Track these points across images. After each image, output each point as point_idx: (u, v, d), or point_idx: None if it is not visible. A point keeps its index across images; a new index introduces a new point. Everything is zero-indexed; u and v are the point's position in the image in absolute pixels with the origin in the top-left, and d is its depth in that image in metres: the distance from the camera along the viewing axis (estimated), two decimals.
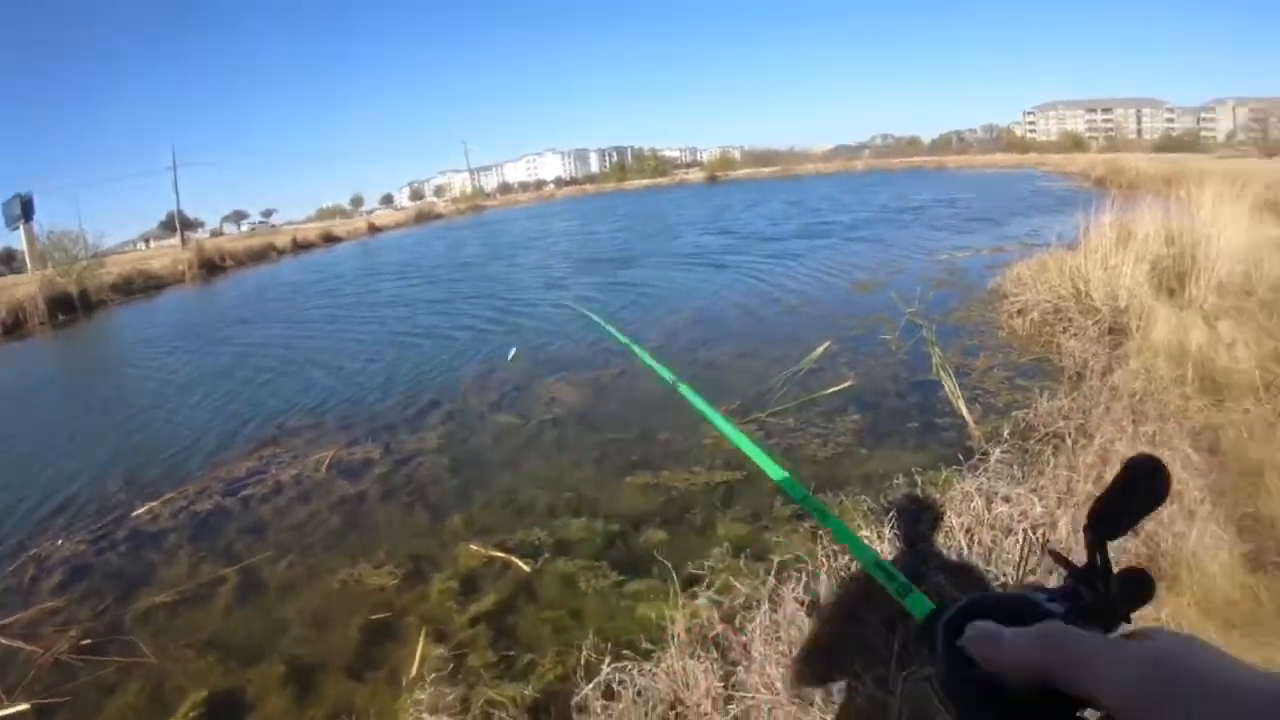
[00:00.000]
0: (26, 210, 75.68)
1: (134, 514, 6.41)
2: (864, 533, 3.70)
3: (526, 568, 4.63)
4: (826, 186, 46.49)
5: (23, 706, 4.09)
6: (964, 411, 5.88)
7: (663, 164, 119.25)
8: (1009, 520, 3.66)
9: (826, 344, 8.24)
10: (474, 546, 4.95)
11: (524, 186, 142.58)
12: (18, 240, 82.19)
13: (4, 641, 4.78)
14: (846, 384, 7.06)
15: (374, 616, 4.36)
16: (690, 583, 3.83)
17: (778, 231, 22.34)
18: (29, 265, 61.03)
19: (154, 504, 6.53)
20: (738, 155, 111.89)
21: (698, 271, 15.80)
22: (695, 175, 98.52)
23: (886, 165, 73.36)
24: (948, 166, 64.76)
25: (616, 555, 4.63)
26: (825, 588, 3.39)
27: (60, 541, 6.10)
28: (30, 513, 6.94)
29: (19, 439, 10.04)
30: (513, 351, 9.72)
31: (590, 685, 3.10)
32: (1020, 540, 3.51)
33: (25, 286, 31.84)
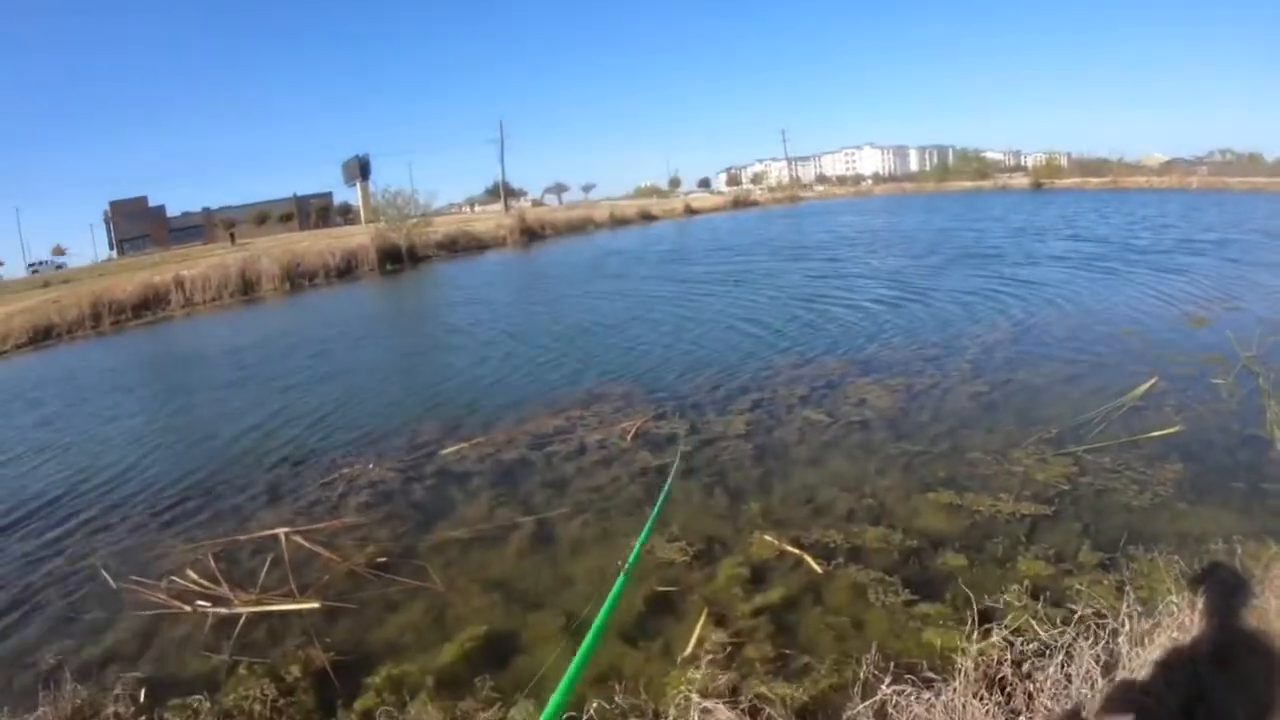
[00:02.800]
0: (364, 170, 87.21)
1: (443, 452, 7.25)
2: (1173, 598, 3.49)
3: (818, 568, 4.65)
4: (1161, 203, 42.39)
5: (314, 605, 4.79)
6: None
7: (985, 166, 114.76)
8: None
9: (1153, 380, 7.69)
10: (768, 537, 5.05)
11: (841, 180, 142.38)
12: (354, 196, 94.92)
13: (307, 545, 5.62)
14: (1173, 429, 6.47)
15: (659, 588, 4.57)
16: (983, 617, 3.69)
17: (1101, 251, 20.56)
18: (363, 219, 70.03)
19: (463, 445, 7.34)
20: (1064, 162, 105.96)
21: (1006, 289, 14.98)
22: (1019, 181, 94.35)
23: (1224, 184, 65.58)
24: None
25: (910, 572, 4.54)
26: (1125, 650, 3.18)
27: (372, 466, 7.05)
28: (348, 436, 8.20)
29: (351, 370, 11.94)
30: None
31: (865, 703, 3.10)
32: None
33: (359, 237, 36.74)
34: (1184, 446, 6.18)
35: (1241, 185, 64.02)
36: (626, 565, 2.19)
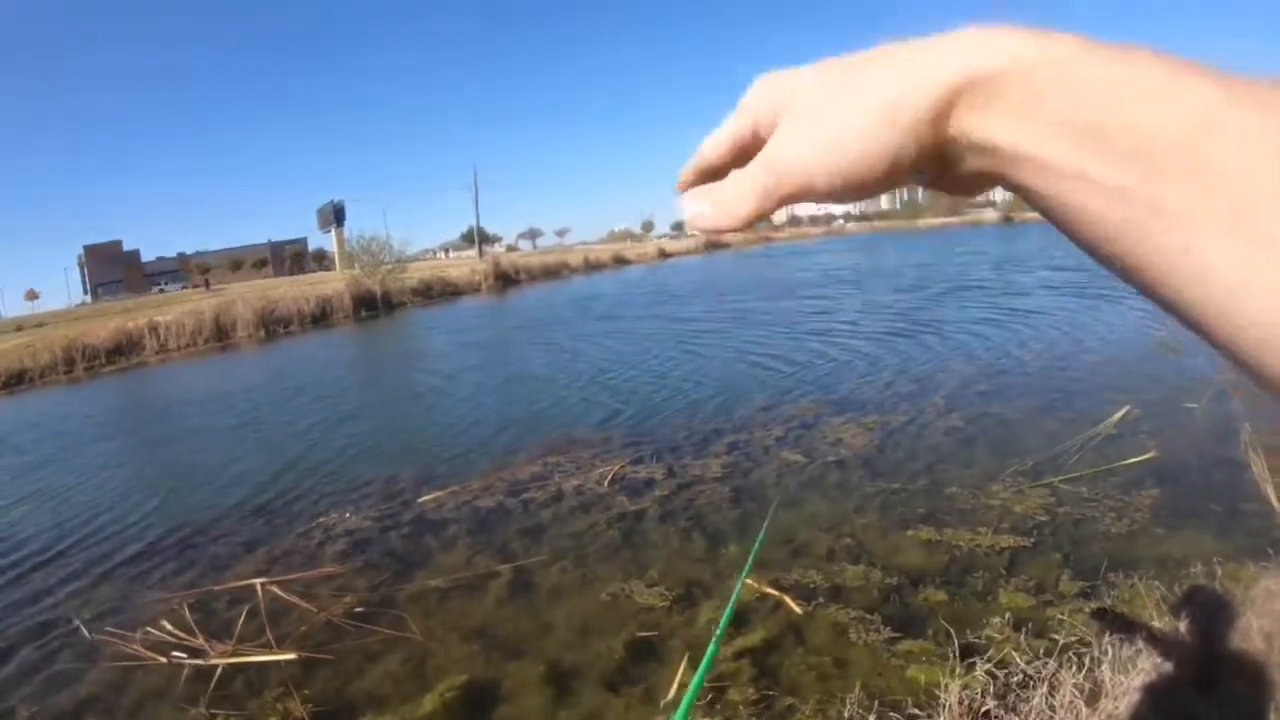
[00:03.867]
0: (339, 215, 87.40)
1: (420, 500, 7.20)
2: (1154, 623, 3.56)
3: (798, 609, 4.65)
4: None
5: (291, 655, 4.72)
6: (1273, 499, 5.34)
7: (956, 202, 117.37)
8: None
9: (1126, 408, 7.81)
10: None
11: (813, 220, 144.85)
12: (329, 242, 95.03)
13: (283, 595, 5.55)
14: (1148, 455, 6.59)
15: (639, 634, 4.55)
16: (965, 651, 3.73)
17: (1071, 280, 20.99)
18: (338, 265, 69.99)
19: (439, 493, 7.29)
20: None
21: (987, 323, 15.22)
22: (990, 215, 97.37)
23: None
24: None
25: (891, 610, 4.55)
26: (1108, 678, 3.21)
27: (349, 515, 7.00)
28: (325, 484, 8.13)
29: (321, 418, 11.79)
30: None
31: None
32: None
33: (334, 283, 36.78)
34: (1160, 472, 6.28)
35: None
36: (718, 633, 2.14)
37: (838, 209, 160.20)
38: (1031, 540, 5.25)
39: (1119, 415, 7.67)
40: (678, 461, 7.58)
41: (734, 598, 1.78)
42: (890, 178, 0.37)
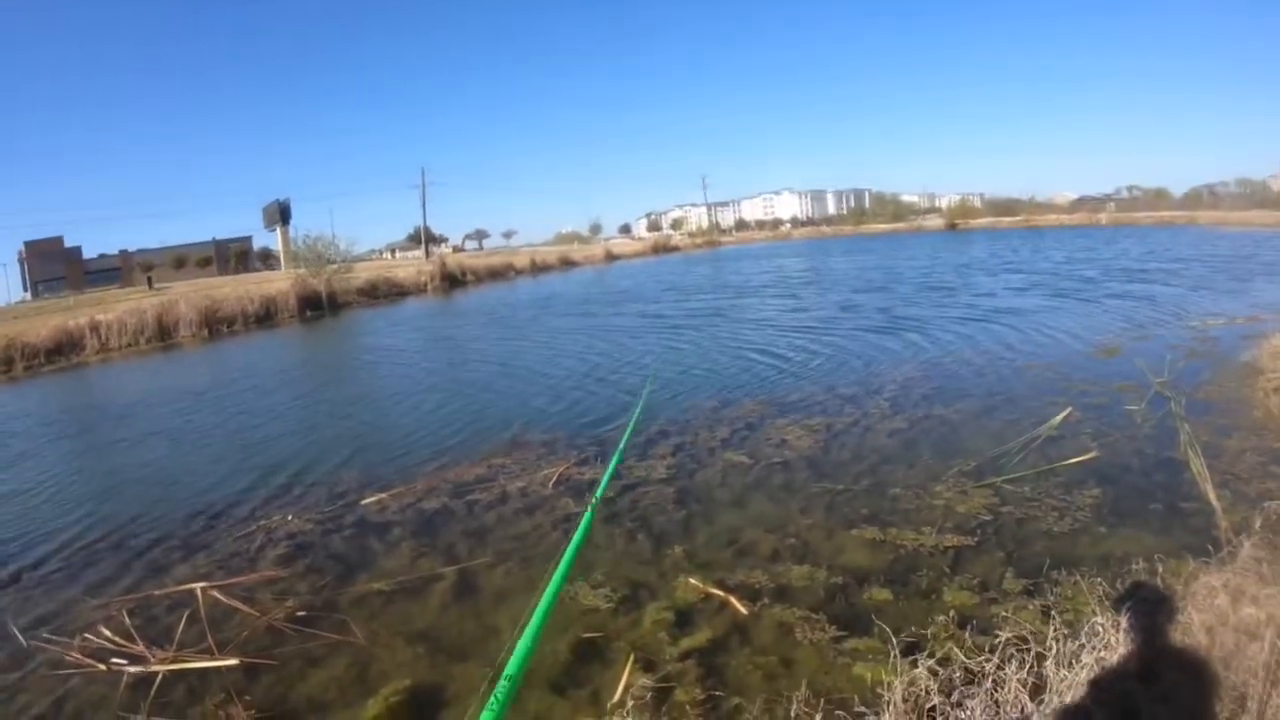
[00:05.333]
0: (285, 214, 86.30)
1: (363, 502, 7.11)
2: (1097, 619, 3.57)
3: (744, 609, 4.67)
4: (1070, 239, 45.44)
5: (232, 661, 4.62)
6: (1212, 497, 5.58)
7: (901, 209, 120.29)
8: (1255, 624, 3.34)
9: (1068, 410, 8.03)
10: (693, 581, 5.05)
11: (760, 224, 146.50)
12: (275, 241, 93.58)
13: (224, 599, 5.44)
14: (1089, 455, 6.78)
15: (585, 635, 4.52)
16: (910, 649, 3.80)
17: (1015, 286, 21.61)
18: (283, 264, 68.98)
19: (383, 495, 7.20)
20: (978, 203, 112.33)
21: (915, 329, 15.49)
22: (934, 222, 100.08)
23: (1131, 220, 69.82)
24: (1199, 223, 61.97)
25: (837, 609, 4.59)
26: (1052, 673, 3.28)
27: (290, 517, 6.89)
28: (265, 486, 7.98)
29: (263, 419, 11.60)
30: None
31: None
32: (1266, 648, 3.19)
33: (279, 283, 36.20)
34: (1101, 472, 6.43)
35: (1149, 219, 67.10)
36: (594, 500, 2.11)
37: (784, 213, 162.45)
38: (975, 539, 5.33)
39: (1060, 417, 7.83)
40: (622, 463, 7.54)
41: (619, 452, 1.81)
42: None
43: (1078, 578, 4.46)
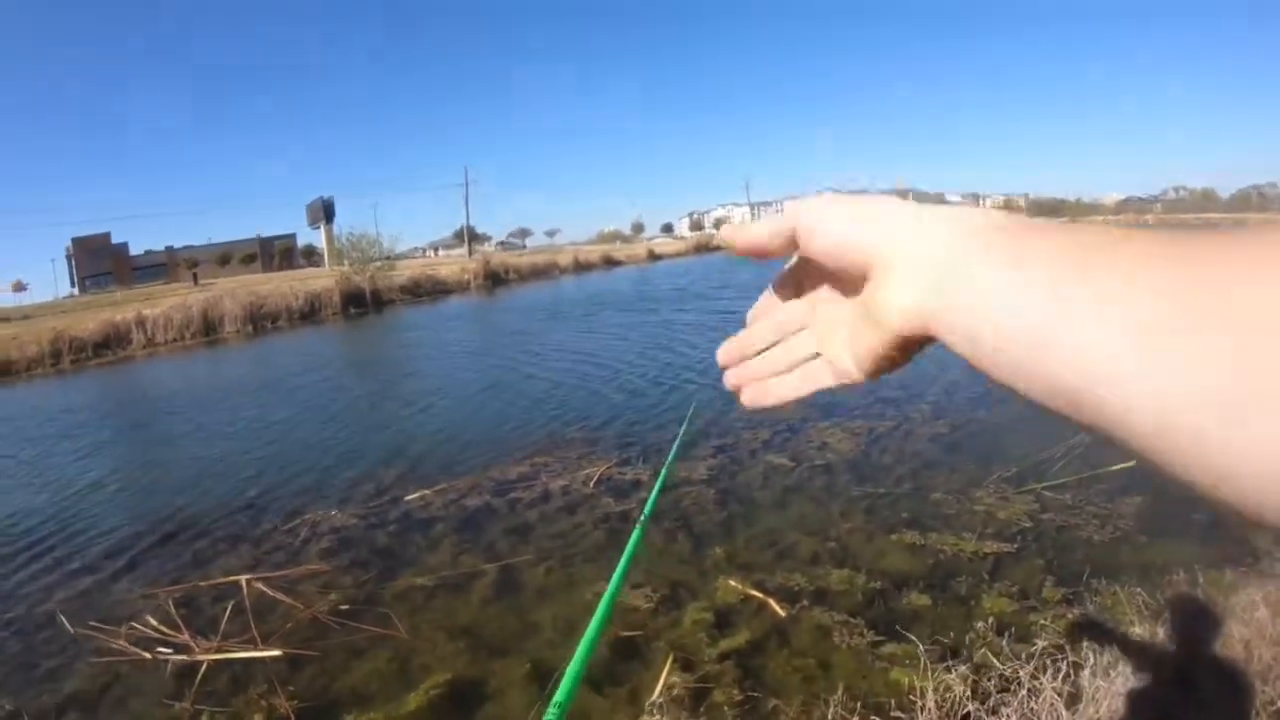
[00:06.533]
0: (329, 212, 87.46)
1: (407, 498, 7.22)
2: (1136, 629, 3.61)
3: (782, 611, 4.69)
4: None
5: (276, 652, 4.74)
6: None
7: None
8: None
9: None
10: (732, 582, 5.08)
11: None
12: (318, 238, 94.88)
13: (269, 591, 5.57)
14: (1131, 462, 6.62)
15: (624, 634, 4.57)
16: (947, 655, 3.82)
17: None
18: (327, 261, 69.92)
19: (427, 491, 7.32)
20: (1022, 204, 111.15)
21: None
22: None
23: (1179, 221, 68.04)
24: (1249, 225, 59.66)
25: (875, 613, 4.60)
26: (1088, 683, 3.26)
27: (334, 511, 7.02)
28: (311, 481, 8.14)
29: (309, 414, 11.84)
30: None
31: None
32: None
33: (323, 280, 36.73)
34: (1145, 480, 6.29)
35: (1196, 221, 65.65)
36: (643, 518, 2.16)
37: None
38: (1015, 546, 5.30)
39: None
40: (663, 463, 7.57)
41: (665, 469, 1.87)
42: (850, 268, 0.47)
43: (1117, 587, 4.44)
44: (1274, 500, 0.28)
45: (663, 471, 1.85)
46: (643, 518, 1.50)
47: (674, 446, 2.20)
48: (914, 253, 0.42)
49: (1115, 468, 6.57)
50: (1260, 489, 0.28)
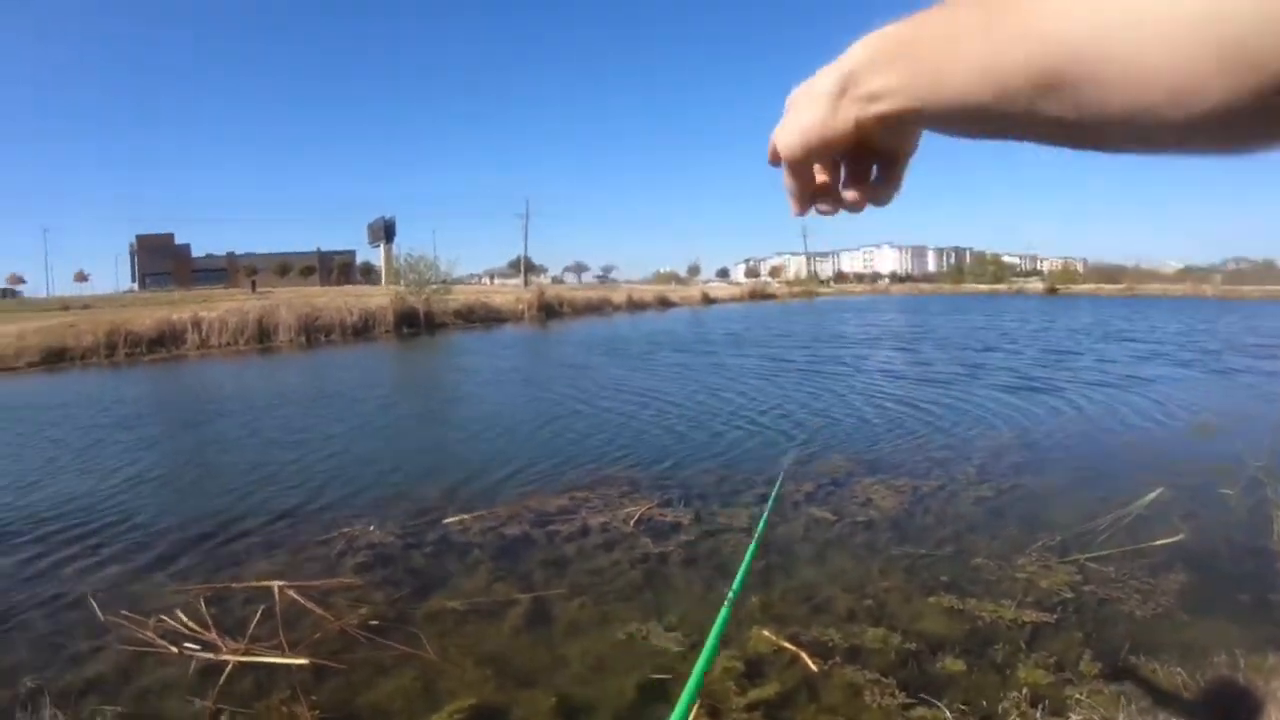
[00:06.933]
0: (389, 231, 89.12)
1: (445, 520, 7.24)
2: (1173, 709, 3.58)
3: (814, 666, 4.61)
4: (1184, 310, 45.66)
5: (302, 660, 4.74)
6: None
7: (1002, 270, 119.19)
8: None
9: (1160, 490, 7.69)
10: (766, 632, 5.01)
11: (859, 277, 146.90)
12: (377, 256, 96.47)
13: (300, 600, 5.58)
14: (1176, 538, 6.53)
15: (653, 676, 4.52)
16: None
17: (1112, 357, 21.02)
18: (384, 280, 70.98)
19: (465, 516, 7.32)
20: (1080, 268, 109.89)
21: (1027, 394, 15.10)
22: (1034, 285, 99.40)
23: (1239, 293, 66.57)
24: None
25: (908, 675, 4.50)
26: None
27: (372, 528, 7.04)
28: (351, 495, 8.22)
29: (356, 429, 12.03)
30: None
31: None
32: None
33: (378, 298, 37.24)
34: (1189, 556, 6.21)
35: (1258, 293, 64.25)
36: (731, 594, 2.11)
37: (883, 268, 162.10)
38: (1054, 616, 5.20)
39: (1151, 496, 7.57)
40: (705, 508, 7.56)
41: (755, 542, 1.82)
42: (829, 139, 0.60)
43: (1156, 665, 4.36)
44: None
45: (752, 545, 1.81)
46: (731, 594, 1.46)
47: (763, 516, 2.17)
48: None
49: (1160, 542, 6.47)
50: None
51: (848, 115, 0.57)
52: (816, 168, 0.68)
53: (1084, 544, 6.50)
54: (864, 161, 0.66)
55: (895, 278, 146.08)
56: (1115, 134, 0.44)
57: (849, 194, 0.67)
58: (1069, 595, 5.51)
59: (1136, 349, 24.09)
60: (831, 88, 0.57)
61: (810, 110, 0.60)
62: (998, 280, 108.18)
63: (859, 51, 0.56)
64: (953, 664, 4.63)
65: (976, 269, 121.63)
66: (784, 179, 0.67)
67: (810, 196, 0.68)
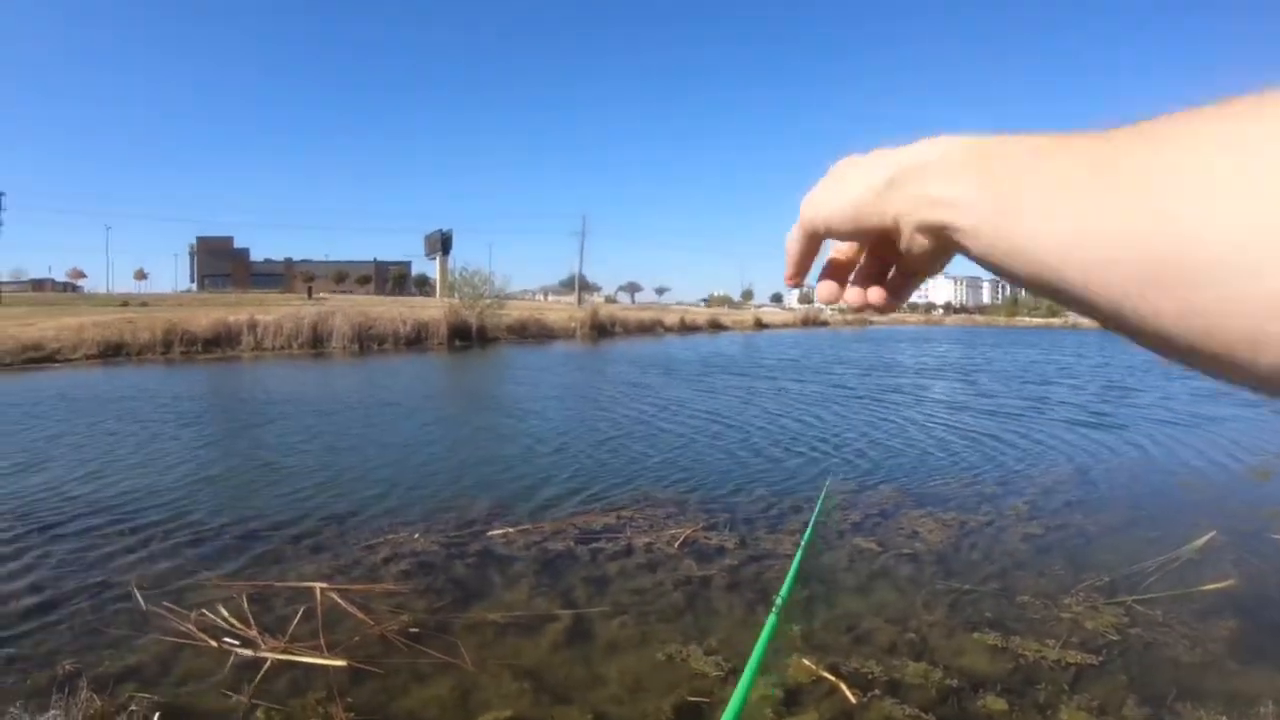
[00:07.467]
0: (446, 244, 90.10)
1: (490, 533, 7.26)
2: None
3: (853, 698, 4.54)
4: None
5: (340, 663, 4.77)
6: None
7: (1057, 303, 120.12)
8: None
9: (1211, 534, 7.53)
10: (806, 661, 4.95)
11: (913, 307, 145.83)
12: (432, 269, 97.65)
13: (341, 603, 5.63)
14: (1226, 583, 6.37)
15: (690, 699, 4.48)
16: None
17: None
18: (438, 292, 71.82)
19: (510, 529, 7.35)
20: None
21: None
22: (1089, 320, 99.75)
23: None
24: None
25: (948, 711, 4.43)
26: None
27: (417, 536, 7.09)
28: (398, 503, 8.30)
29: (407, 438, 12.23)
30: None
31: None
32: None
33: (432, 310, 37.70)
34: (1240, 603, 6.06)
35: None
36: (778, 603, 2.10)
37: (938, 298, 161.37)
38: (1099, 658, 5.08)
39: (1203, 540, 7.40)
40: (750, 533, 7.50)
41: (800, 552, 1.81)
42: (863, 222, 0.57)
43: (1202, 713, 4.25)
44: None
45: (797, 555, 1.82)
46: (779, 600, 1.45)
47: (808, 529, 2.18)
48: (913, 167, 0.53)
49: (1209, 587, 6.33)
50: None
51: (893, 208, 0.54)
52: (835, 247, 0.69)
53: (1132, 586, 6.37)
54: (880, 261, 0.65)
55: (950, 308, 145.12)
56: (1201, 358, 0.38)
57: (873, 293, 0.66)
58: (1115, 637, 5.39)
59: (1199, 387, 23.57)
60: (887, 173, 0.54)
61: (860, 185, 0.56)
62: (1052, 314, 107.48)
63: (927, 149, 0.52)
64: (994, 703, 4.54)
65: (1031, 301, 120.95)
66: (791, 240, 0.65)
67: (806, 270, 0.69)
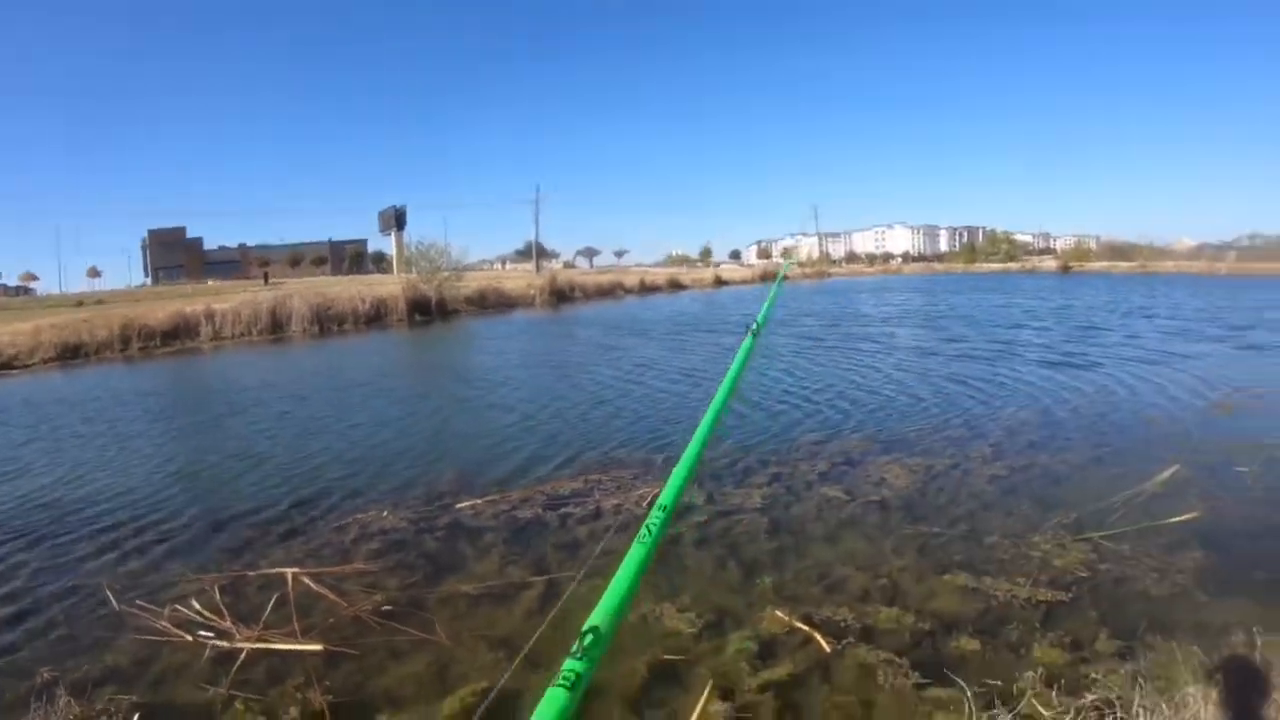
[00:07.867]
0: (400, 220, 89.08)
1: (458, 505, 7.29)
2: (1190, 689, 3.49)
3: (827, 647, 4.62)
4: (1201, 287, 46.14)
5: (316, 647, 4.80)
6: None
7: (1014, 248, 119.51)
8: None
9: (1175, 468, 7.69)
10: (779, 613, 5.02)
11: (870, 258, 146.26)
12: (389, 245, 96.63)
13: (314, 587, 5.64)
14: (1190, 515, 6.50)
15: (665, 657, 4.54)
16: (994, 702, 3.76)
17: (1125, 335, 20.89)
18: (395, 268, 71.18)
19: (478, 501, 7.37)
20: (1093, 245, 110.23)
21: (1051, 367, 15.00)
22: (1048, 263, 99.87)
23: (1253, 269, 65.64)
24: None
25: (921, 655, 4.50)
26: None
27: (385, 514, 7.10)
28: (365, 482, 8.28)
29: (369, 417, 12.12)
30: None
31: None
32: None
33: (390, 286, 37.36)
34: (1206, 534, 6.17)
35: (1269, 270, 63.17)
36: (755, 325, 2.11)
37: (896, 248, 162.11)
38: (1070, 595, 5.18)
39: (1167, 474, 7.55)
40: (719, 489, 7.58)
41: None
42: None
43: (1173, 644, 4.29)
44: None
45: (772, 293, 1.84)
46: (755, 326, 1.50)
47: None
48: None
49: (1176, 520, 6.45)
50: None
51: None
52: None
53: (1099, 522, 6.48)
54: None
55: (908, 257, 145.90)
56: None
57: None
58: (1084, 574, 5.49)
59: (1165, 325, 23.91)
60: None
61: None
62: (1010, 259, 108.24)
63: None
64: (967, 643, 4.63)
65: (989, 248, 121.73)
66: None
67: None
